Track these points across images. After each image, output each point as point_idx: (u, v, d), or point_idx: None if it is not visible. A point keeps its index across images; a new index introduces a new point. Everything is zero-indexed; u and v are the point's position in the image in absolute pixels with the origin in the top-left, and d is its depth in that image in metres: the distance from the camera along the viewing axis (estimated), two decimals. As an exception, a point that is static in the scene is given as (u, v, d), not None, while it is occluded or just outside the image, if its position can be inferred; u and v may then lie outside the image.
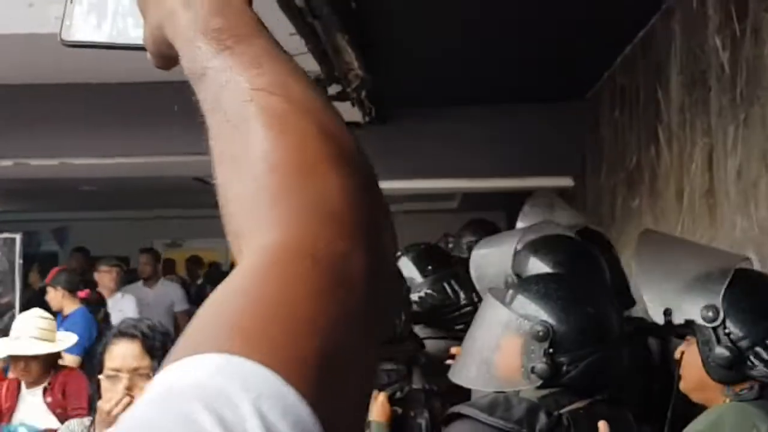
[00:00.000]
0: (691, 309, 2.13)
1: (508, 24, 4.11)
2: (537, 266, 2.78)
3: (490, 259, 3.07)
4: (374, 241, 0.59)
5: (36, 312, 4.29)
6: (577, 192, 5.74)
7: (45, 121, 5.32)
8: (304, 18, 3.16)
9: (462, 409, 2.21)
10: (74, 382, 4.24)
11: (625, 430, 2.19)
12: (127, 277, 8.38)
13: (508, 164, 5.74)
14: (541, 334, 2.15)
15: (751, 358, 2.06)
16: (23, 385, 4.17)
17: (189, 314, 7.81)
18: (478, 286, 2.79)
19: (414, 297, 3.22)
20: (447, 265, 3.58)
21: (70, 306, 5.65)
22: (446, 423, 2.28)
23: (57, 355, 4.28)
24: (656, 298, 2.25)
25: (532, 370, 2.16)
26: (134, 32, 0.81)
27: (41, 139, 5.34)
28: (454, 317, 3.33)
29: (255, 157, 0.61)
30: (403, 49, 4.42)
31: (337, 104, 4.58)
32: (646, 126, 3.98)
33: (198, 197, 10.23)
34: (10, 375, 4.23)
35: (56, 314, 5.20)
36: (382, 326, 0.59)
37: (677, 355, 2.17)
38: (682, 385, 2.16)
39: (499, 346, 2.25)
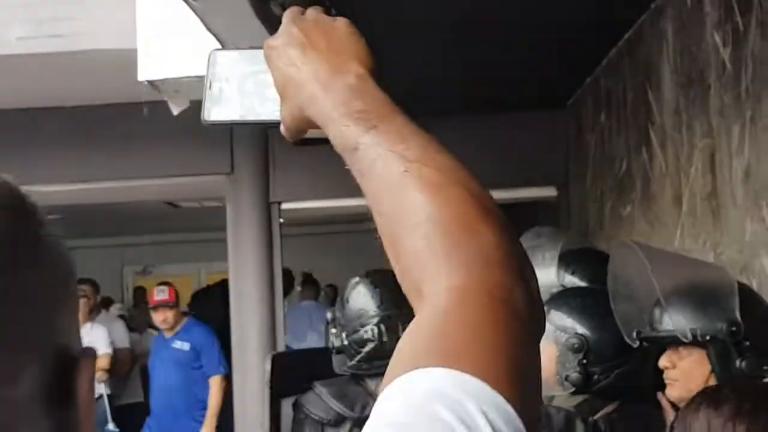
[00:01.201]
0: (709, 325, 2.09)
1: (485, 30, 3.97)
2: (571, 282, 2.89)
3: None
4: (526, 278, 0.75)
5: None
6: (560, 201, 5.61)
7: (7, 146, 5.12)
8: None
9: None
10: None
11: (659, 425, 2.27)
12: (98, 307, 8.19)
13: (489, 176, 5.47)
14: (576, 346, 2.37)
15: None
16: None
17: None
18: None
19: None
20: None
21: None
22: None
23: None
24: (631, 318, 2.24)
25: (566, 378, 2.36)
26: (260, 109, 1.02)
27: (4, 165, 5.13)
28: None
29: (422, 218, 0.76)
30: (379, 56, 4.26)
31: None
32: (636, 130, 3.86)
33: (170, 222, 10.06)
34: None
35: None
36: (539, 340, 0.74)
37: (665, 363, 2.15)
38: (676, 394, 2.14)
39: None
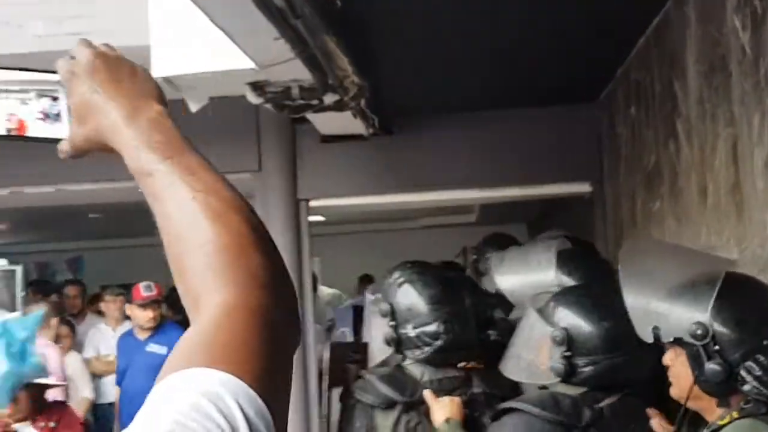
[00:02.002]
0: (678, 326, 2.10)
1: (516, 23, 3.86)
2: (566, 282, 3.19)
3: (524, 277, 3.39)
4: (286, 297, 0.93)
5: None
6: (595, 197, 5.47)
7: (38, 147, 5.12)
8: (286, 19, 2.93)
9: (515, 404, 2.57)
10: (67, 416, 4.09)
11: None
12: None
13: (523, 172, 5.48)
14: (558, 339, 2.53)
15: (742, 373, 2.03)
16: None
17: None
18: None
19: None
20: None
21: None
22: (497, 418, 2.61)
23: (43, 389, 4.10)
24: (643, 317, 2.23)
25: (552, 368, 2.54)
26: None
27: (35, 166, 5.14)
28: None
29: (203, 240, 0.90)
30: (402, 54, 4.18)
31: (336, 115, 4.37)
32: (663, 121, 3.72)
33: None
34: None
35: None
36: (293, 348, 0.91)
37: (665, 362, 2.18)
38: (674, 392, 2.18)
39: (537, 346, 2.67)
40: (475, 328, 3.09)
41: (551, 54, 4.31)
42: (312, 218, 5.44)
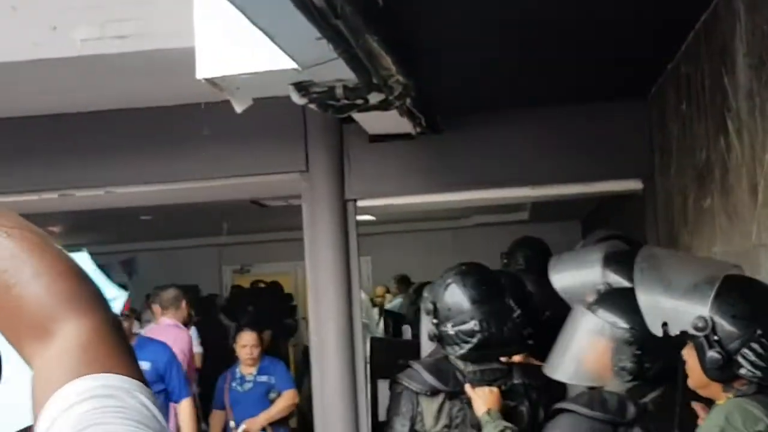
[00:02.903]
0: (683, 320, 2.43)
1: (564, 20, 3.81)
2: (615, 280, 3.27)
3: (575, 276, 3.48)
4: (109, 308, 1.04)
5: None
6: (646, 195, 5.38)
7: (87, 150, 5.20)
8: (326, 19, 2.92)
9: (565, 405, 2.79)
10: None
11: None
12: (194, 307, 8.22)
13: (573, 169, 5.41)
14: (631, 339, 2.70)
15: (739, 359, 2.35)
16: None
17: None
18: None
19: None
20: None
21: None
22: (551, 417, 2.84)
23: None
24: (654, 313, 2.57)
25: (623, 368, 2.71)
26: None
27: (85, 169, 5.21)
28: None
29: (39, 271, 0.98)
30: (446, 52, 4.15)
31: (383, 114, 4.36)
32: (713, 117, 3.64)
33: (264, 221, 10.12)
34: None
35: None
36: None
37: (684, 357, 2.48)
38: (690, 383, 2.49)
39: (590, 348, 2.81)
40: (514, 327, 3.26)
41: (600, 50, 4.25)
42: (362, 217, 5.44)
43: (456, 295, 3.28)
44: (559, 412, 2.78)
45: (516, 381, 3.26)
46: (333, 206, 5.31)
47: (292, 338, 9.94)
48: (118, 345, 0.97)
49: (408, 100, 4.33)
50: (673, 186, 4.72)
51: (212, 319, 9.30)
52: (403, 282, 10.68)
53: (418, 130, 5.15)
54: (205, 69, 3.63)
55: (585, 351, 2.84)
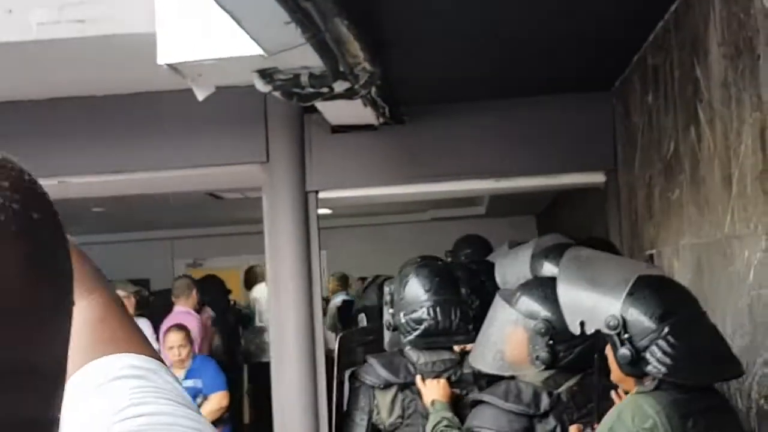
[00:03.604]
0: (599, 319, 2.58)
1: (527, 8, 3.76)
2: (548, 269, 3.37)
3: (510, 267, 3.62)
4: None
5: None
6: (609, 188, 5.37)
7: (41, 139, 5.03)
8: (296, 1, 2.83)
9: (483, 397, 2.99)
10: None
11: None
12: (146, 301, 8.08)
13: (535, 162, 5.37)
14: (543, 330, 2.83)
15: (647, 356, 2.49)
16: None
17: None
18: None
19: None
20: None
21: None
22: (472, 407, 3.07)
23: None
24: (573, 311, 2.72)
25: (537, 358, 2.84)
26: None
27: (37, 159, 5.03)
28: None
29: None
30: (413, 41, 4.08)
31: (347, 103, 4.28)
32: (683, 107, 3.62)
33: (217, 214, 9.98)
34: None
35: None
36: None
37: (606, 352, 2.61)
38: (612, 378, 2.64)
39: (508, 339, 2.96)
40: (462, 317, 3.46)
41: (564, 41, 4.22)
42: (320, 211, 5.35)
43: (411, 287, 3.52)
44: (479, 402, 3.00)
45: (466, 370, 3.42)
46: (294, 198, 5.21)
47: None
48: (129, 322, 0.96)
49: (373, 89, 4.26)
50: (637, 179, 4.70)
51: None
52: (342, 280, 10.67)
53: (382, 120, 5.08)
54: (166, 54, 3.52)
55: (504, 342, 2.99)
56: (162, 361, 0.92)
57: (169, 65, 3.52)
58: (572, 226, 8.10)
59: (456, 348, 3.50)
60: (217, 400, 6.12)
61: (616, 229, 5.32)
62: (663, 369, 2.46)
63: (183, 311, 6.98)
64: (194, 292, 7.22)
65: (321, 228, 5.28)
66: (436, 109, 5.30)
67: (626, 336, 2.51)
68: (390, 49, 4.04)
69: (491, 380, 3.29)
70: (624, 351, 2.50)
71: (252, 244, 11.66)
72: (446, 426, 3.25)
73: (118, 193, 5.53)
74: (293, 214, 5.20)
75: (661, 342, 2.48)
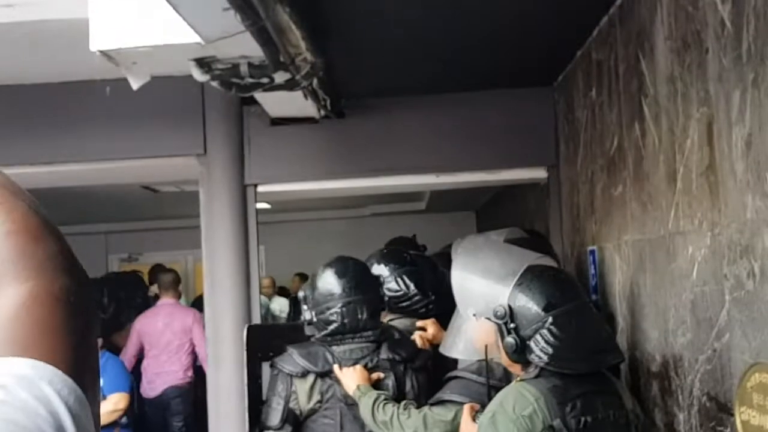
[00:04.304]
0: (487, 308, 2.76)
1: (471, 3, 3.70)
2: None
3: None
4: (83, 282, 0.90)
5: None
6: (551, 184, 5.35)
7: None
8: (235, -13, 2.73)
9: (458, 373, 3.22)
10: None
11: None
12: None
13: (476, 158, 5.33)
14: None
15: (531, 345, 2.66)
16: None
17: None
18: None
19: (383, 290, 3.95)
20: (403, 264, 4.37)
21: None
22: (444, 384, 3.27)
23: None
24: (464, 300, 3.00)
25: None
26: None
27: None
28: (408, 305, 4.25)
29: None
30: (355, 33, 3.99)
31: (287, 95, 4.18)
32: (627, 103, 3.59)
33: (154, 208, 9.78)
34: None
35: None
36: (96, 332, 0.92)
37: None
38: (503, 362, 2.83)
39: (478, 327, 3.09)
40: (370, 316, 3.65)
41: (506, 35, 4.17)
42: (259, 205, 5.24)
43: (322, 287, 3.69)
44: (453, 378, 3.23)
45: (383, 356, 3.63)
46: (232, 191, 5.10)
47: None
48: (55, 319, 0.83)
49: (314, 81, 4.17)
50: (579, 175, 4.68)
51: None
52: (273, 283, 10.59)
53: (322, 113, 4.99)
54: (99, 41, 3.39)
55: (473, 330, 3.15)
56: (80, 365, 0.82)
57: (102, 52, 3.39)
58: (513, 222, 8.09)
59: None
60: (113, 401, 5.84)
61: (557, 225, 5.31)
62: (545, 358, 2.63)
63: (170, 303, 7.31)
64: (180, 286, 7.68)
65: (259, 223, 5.17)
66: (378, 103, 5.22)
67: (512, 326, 2.69)
68: (331, 39, 3.96)
69: (407, 367, 3.65)
70: (509, 340, 2.68)
71: (189, 238, 11.51)
72: (385, 400, 3.40)
73: (50, 185, 5.34)
74: (231, 208, 5.09)
75: (544, 332, 2.65)
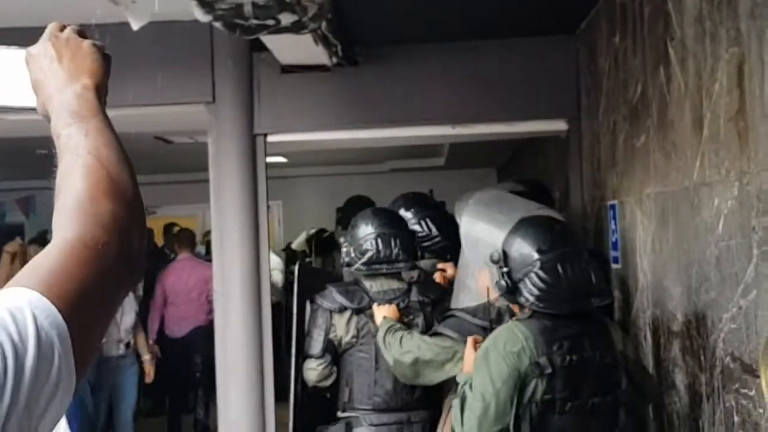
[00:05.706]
0: (487, 253, 2.96)
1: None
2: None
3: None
4: (129, 239, 1.12)
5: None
6: (571, 136, 5.15)
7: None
8: None
9: (455, 312, 3.52)
10: None
11: None
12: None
13: (494, 109, 5.13)
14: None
15: (521, 287, 2.86)
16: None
17: None
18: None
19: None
20: (427, 207, 4.79)
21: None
22: (444, 320, 3.62)
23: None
24: (468, 246, 3.28)
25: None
26: (16, 96, 1.35)
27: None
28: (430, 245, 4.62)
29: (73, 187, 1.14)
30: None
31: (297, 40, 3.99)
32: (653, 47, 3.39)
33: (170, 160, 9.64)
34: None
35: None
36: (125, 289, 1.13)
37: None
38: (501, 302, 3.13)
39: (478, 276, 3.25)
40: (402, 245, 4.00)
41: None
42: (274, 159, 5.08)
43: (360, 227, 4.08)
44: (450, 316, 3.55)
45: (413, 298, 3.96)
46: (241, 141, 4.94)
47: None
48: (72, 264, 1.04)
49: (323, 24, 3.99)
50: (601, 126, 4.49)
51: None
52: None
53: (334, 60, 4.80)
54: (95, -23, 3.22)
55: (473, 278, 3.30)
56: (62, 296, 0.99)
57: (98, -11, 3.22)
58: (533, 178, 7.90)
59: (405, 278, 4.06)
60: None
61: (578, 180, 5.12)
62: (531, 299, 2.83)
63: (187, 257, 8.05)
64: (197, 241, 8.63)
65: (276, 177, 5.02)
66: (392, 50, 5.03)
67: (506, 269, 2.87)
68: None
69: (435, 308, 3.93)
70: (501, 282, 2.87)
71: (207, 192, 11.37)
72: (398, 328, 3.73)
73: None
74: (240, 159, 4.93)
75: (532, 275, 2.83)
